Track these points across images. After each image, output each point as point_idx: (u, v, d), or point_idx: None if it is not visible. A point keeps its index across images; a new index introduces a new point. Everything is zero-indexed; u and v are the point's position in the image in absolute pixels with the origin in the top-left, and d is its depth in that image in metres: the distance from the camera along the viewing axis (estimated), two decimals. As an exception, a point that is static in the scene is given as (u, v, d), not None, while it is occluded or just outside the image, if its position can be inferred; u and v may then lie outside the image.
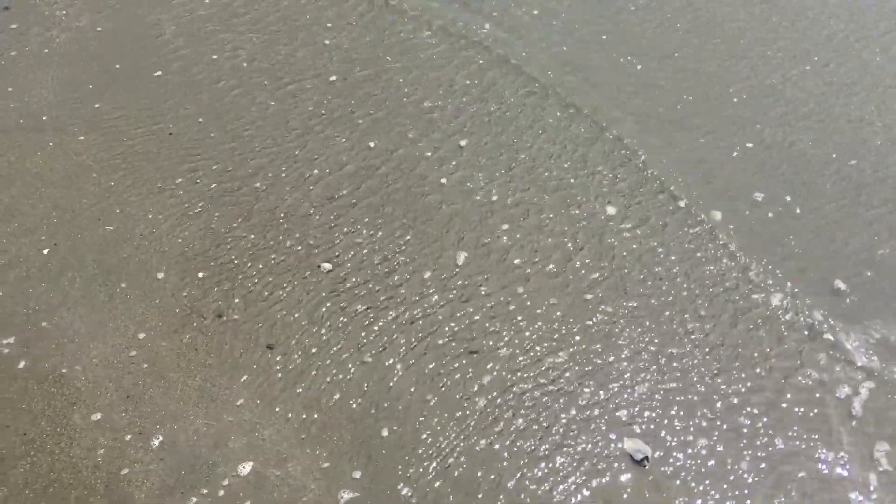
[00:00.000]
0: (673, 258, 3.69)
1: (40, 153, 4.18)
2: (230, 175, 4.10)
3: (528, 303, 3.50)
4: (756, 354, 3.32)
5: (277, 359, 3.30)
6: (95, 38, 5.04)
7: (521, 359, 3.30)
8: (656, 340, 3.37)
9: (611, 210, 3.90)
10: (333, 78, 4.74)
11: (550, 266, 3.64)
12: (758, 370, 3.26)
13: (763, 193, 3.96)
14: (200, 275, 3.61)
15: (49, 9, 5.28)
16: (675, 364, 3.29)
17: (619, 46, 5.01)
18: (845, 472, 2.94)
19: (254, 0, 5.42)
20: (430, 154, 4.23)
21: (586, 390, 3.19)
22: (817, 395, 3.18)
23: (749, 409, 3.14)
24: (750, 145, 4.24)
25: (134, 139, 4.29)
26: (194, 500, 2.85)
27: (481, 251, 3.72)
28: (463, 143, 4.27)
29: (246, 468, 2.95)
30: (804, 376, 3.24)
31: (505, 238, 3.79)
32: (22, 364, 3.30)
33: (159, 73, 4.74)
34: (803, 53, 4.97)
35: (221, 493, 2.87)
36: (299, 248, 3.74)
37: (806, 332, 3.37)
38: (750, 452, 3.00)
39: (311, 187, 4.03)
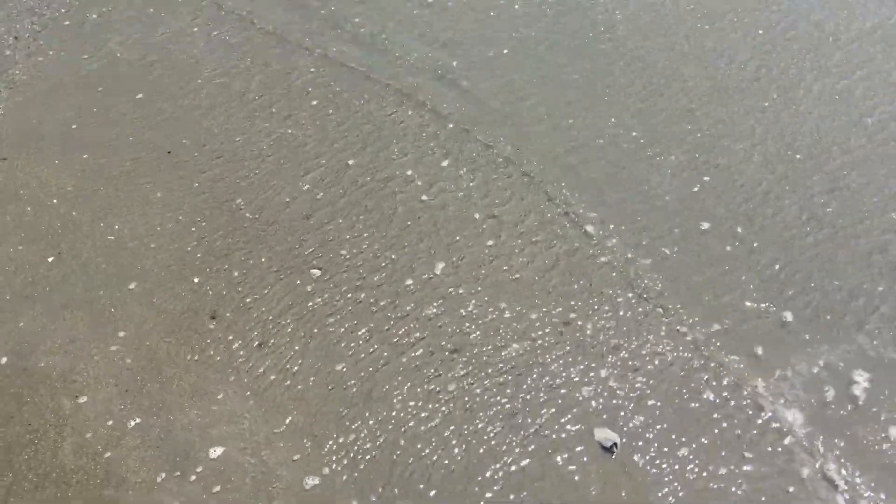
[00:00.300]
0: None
1: (46, 169, 4.45)
2: (223, 188, 4.37)
3: (504, 305, 3.77)
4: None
5: (268, 357, 3.56)
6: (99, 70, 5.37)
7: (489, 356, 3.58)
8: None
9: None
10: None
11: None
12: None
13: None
14: (196, 280, 3.86)
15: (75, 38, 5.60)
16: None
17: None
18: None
19: None
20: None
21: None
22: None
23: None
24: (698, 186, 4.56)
25: (134, 158, 4.58)
26: (192, 478, 3.12)
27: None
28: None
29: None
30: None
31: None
32: (27, 362, 3.55)
33: (161, 105, 5.06)
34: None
35: (205, 473, 3.13)
36: (291, 255, 4.01)
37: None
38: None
39: (291, 205, 4.33)
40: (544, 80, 4.95)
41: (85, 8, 5.71)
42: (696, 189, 4.20)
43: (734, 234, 3.95)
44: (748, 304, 3.67)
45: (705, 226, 4.02)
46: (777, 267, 3.81)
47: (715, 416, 3.25)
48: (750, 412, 3.25)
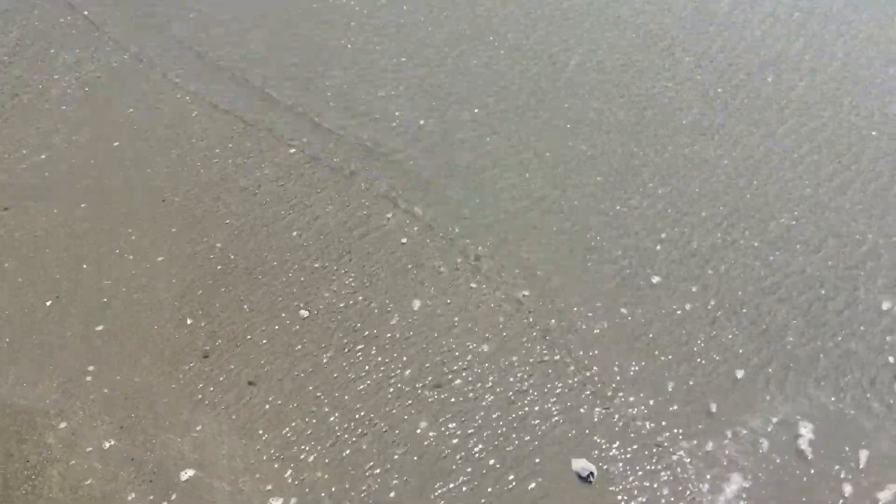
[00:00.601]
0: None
1: (45, 218, 4.64)
2: (216, 237, 4.61)
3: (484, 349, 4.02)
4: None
5: (257, 395, 3.73)
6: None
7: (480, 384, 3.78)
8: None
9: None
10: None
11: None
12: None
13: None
14: (189, 321, 4.04)
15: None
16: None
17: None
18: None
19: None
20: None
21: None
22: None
23: None
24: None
25: (130, 206, 4.78)
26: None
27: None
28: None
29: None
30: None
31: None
32: (25, 400, 3.70)
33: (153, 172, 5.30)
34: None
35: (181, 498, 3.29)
36: (279, 298, 4.21)
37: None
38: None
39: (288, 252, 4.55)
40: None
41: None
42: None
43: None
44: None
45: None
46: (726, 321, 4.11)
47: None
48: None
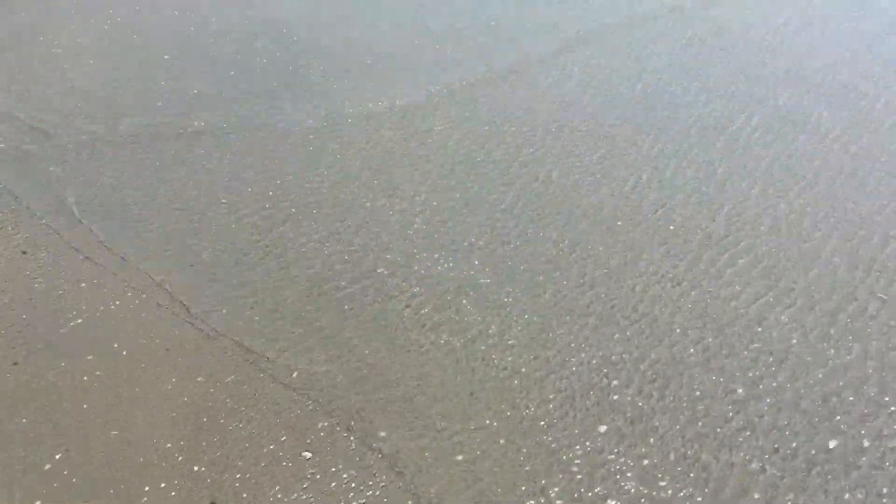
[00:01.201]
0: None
1: (52, 373, 4.57)
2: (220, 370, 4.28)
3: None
4: None
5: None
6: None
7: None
8: None
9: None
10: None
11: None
12: None
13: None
14: (195, 468, 3.79)
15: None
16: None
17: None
18: None
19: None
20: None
21: None
22: None
23: None
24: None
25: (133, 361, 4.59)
26: None
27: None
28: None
29: None
30: None
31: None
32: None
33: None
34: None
35: None
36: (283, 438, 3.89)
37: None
38: None
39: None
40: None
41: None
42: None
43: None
44: None
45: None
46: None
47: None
48: None
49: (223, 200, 5.31)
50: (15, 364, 4.88)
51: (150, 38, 7.48)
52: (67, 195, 5.39)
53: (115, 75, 6.89)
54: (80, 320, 4.53)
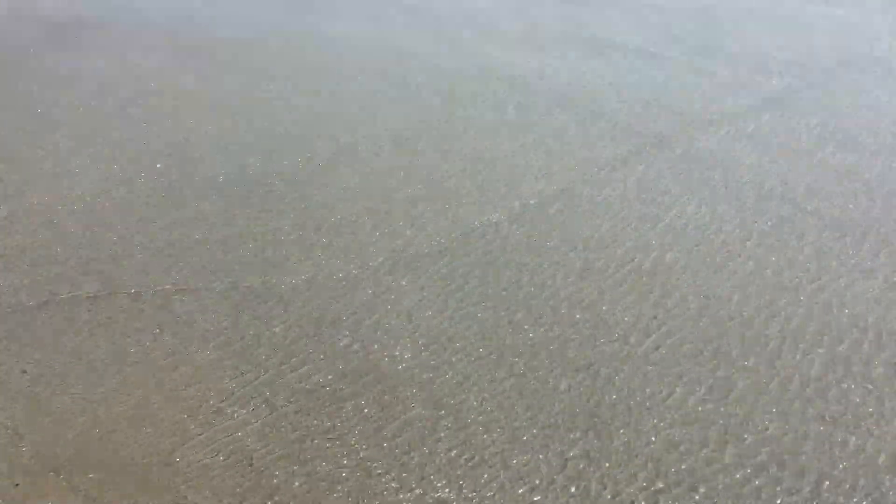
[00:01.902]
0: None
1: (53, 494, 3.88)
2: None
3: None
4: None
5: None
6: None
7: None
8: None
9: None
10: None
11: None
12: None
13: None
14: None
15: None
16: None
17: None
18: None
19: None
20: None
21: None
22: None
23: None
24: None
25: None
26: None
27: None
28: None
29: None
30: None
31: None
32: None
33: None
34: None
35: None
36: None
37: None
38: None
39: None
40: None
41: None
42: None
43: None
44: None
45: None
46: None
47: None
48: None
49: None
50: (16, 485, 3.88)
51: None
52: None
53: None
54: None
